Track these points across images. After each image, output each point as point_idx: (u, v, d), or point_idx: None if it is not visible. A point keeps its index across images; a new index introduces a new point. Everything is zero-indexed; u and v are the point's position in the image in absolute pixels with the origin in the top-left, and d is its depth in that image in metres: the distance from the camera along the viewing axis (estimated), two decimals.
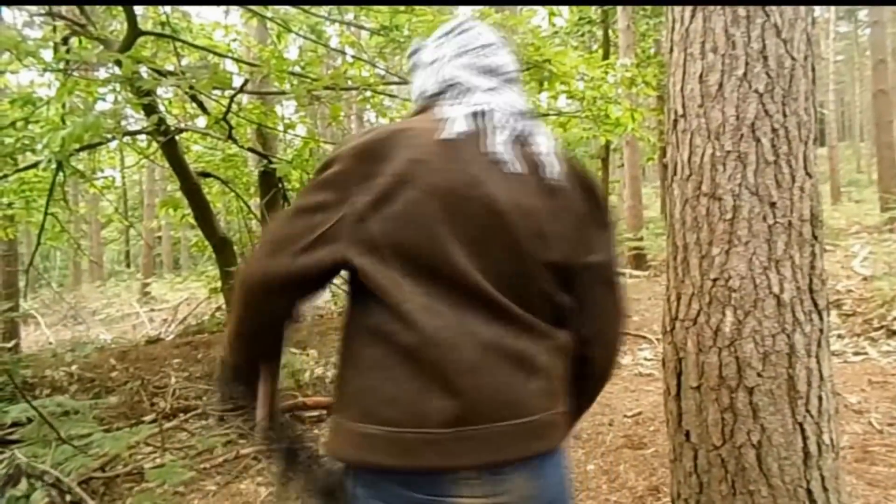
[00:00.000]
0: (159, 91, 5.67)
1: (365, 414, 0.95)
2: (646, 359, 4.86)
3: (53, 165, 4.93)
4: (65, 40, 5.20)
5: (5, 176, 5.54)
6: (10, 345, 6.49)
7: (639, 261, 10.24)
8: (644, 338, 5.35)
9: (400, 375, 0.93)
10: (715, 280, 1.71)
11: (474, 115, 1.03)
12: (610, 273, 1.10)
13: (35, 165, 5.22)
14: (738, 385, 1.68)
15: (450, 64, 1.11)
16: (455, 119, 1.01)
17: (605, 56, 9.68)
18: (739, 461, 1.68)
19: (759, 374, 1.66)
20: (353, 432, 0.96)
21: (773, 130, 1.66)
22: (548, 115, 5.69)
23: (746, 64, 1.66)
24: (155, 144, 7.04)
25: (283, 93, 5.37)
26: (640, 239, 10.37)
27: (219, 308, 8.18)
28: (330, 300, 8.56)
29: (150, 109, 5.44)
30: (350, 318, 1.03)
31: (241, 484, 3.18)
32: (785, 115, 1.66)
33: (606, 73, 5.27)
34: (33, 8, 6.42)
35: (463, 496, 0.93)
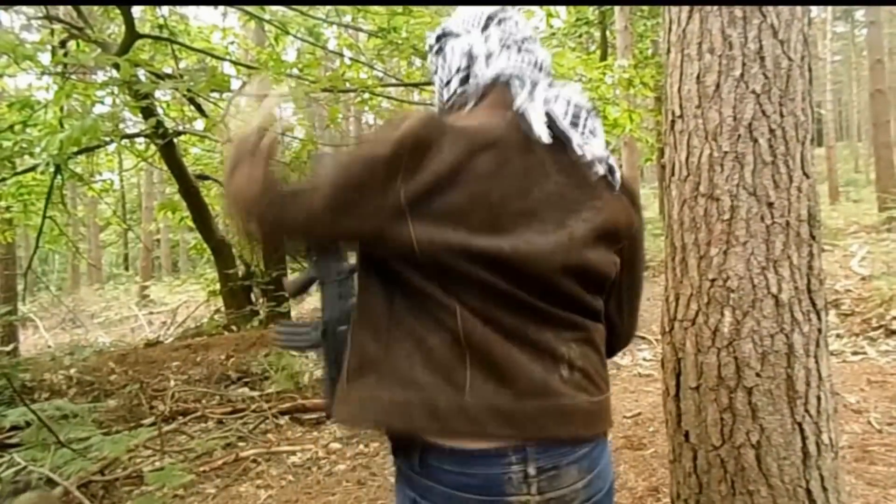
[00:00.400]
0: (157, 94, 5.67)
1: (391, 379, 0.93)
2: (645, 359, 4.87)
3: (52, 168, 4.93)
4: (62, 44, 5.20)
5: (3, 179, 5.53)
6: (8, 348, 6.49)
7: None
8: (643, 338, 5.35)
9: (432, 349, 0.92)
10: (713, 280, 1.71)
11: (548, 115, 0.98)
12: (642, 274, 1.16)
13: (33, 168, 5.22)
14: (737, 385, 1.68)
15: (502, 55, 1.06)
16: (529, 120, 0.97)
17: (603, 57, 9.69)
18: (739, 461, 1.68)
19: (757, 375, 1.67)
20: (377, 398, 0.93)
21: (771, 131, 1.66)
22: None
23: (743, 65, 1.67)
24: (153, 147, 7.04)
25: (281, 95, 5.37)
26: None
27: (217, 311, 8.17)
28: None
29: (148, 112, 5.44)
30: (370, 292, 0.99)
31: (240, 487, 3.18)
32: (782, 116, 1.66)
33: (604, 74, 5.29)
34: (31, 11, 6.41)
35: (513, 471, 0.92)
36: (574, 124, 0.99)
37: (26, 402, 3.78)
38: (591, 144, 1.00)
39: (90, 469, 3.21)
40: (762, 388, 1.66)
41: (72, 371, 5.56)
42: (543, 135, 0.95)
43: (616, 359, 4.79)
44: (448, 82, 1.10)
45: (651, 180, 22.02)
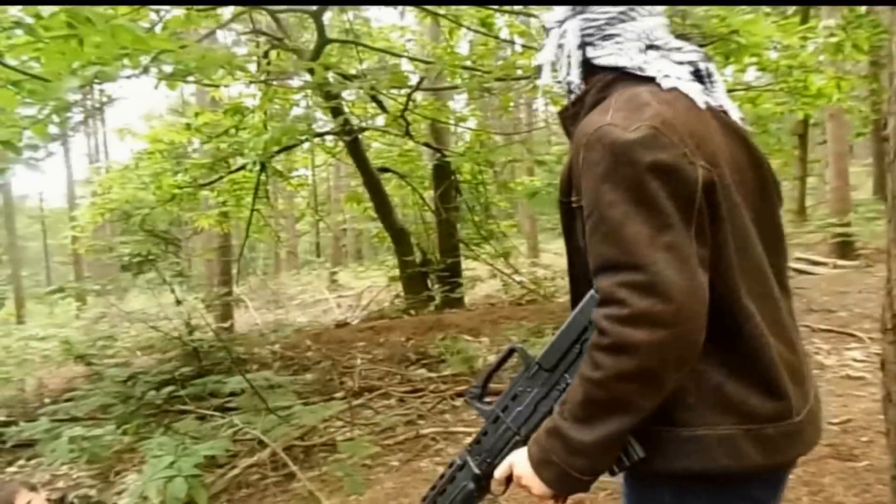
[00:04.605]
0: (343, 93, 6.11)
1: (714, 413, 0.86)
2: (855, 360, 4.30)
3: (258, 167, 5.55)
4: (265, 54, 5.82)
5: (221, 178, 6.36)
6: (226, 325, 7.47)
7: (845, 249, 9.04)
8: (853, 336, 4.73)
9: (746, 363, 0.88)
10: None
11: None
12: None
13: (243, 167, 5.91)
14: None
15: None
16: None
17: (804, 20, 8.63)
18: None
19: None
20: (693, 438, 0.87)
21: None
22: (734, 90, 5.22)
23: None
24: (341, 144, 7.64)
25: (456, 87, 5.52)
26: (848, 224, 9.15)
27: (397, 295, 8.66)
28: (501, 289, 8.68)
29: (336, 112, 5.90)
30: None
31: (420, 462, 3.35)
32: None
33: (806, 39, 4.71)
34: (239, 27, 7.23)
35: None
36: None
37: (242, 372, 4.32)
38: None
39: (292, 434, 3.60)
40: None
41: (276, 346, 6.25)
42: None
43: (821, 358, 4.30)
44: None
45: (863, 156, 19.27)
